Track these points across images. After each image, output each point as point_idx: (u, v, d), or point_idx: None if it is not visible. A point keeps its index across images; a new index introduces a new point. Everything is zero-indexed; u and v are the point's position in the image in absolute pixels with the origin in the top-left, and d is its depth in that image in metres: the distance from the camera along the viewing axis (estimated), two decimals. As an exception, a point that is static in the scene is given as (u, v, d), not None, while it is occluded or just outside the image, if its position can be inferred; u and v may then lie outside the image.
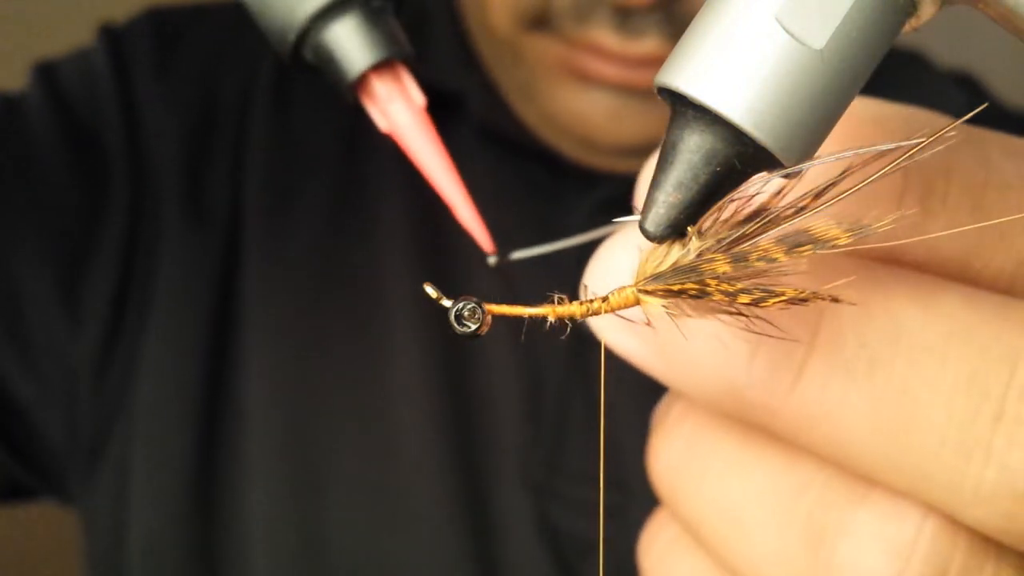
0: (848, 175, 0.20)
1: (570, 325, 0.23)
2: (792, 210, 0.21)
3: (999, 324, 0.22)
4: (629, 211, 0.23)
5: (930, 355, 0.22)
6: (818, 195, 0.21)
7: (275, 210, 0.67)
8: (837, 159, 0.20)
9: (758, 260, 0.21)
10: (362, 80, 0.29)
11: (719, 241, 0.21)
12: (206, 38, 0.72)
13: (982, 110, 0.21)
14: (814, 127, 0.19)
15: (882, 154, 0.20)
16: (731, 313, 0.21)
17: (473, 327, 0.22)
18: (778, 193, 0.21)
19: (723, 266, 0.21)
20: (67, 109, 0.67)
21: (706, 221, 0.21)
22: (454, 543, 0.61)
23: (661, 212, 0.20)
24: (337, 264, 0.66)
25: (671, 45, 0.57)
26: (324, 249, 0.67)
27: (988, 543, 0.23)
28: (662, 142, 0.20)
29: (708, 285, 0.21)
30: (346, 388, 0.64)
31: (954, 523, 0.23)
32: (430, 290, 0.23)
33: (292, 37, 0.28)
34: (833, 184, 0.20)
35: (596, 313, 0.23)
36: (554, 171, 0.68)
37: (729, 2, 0.19)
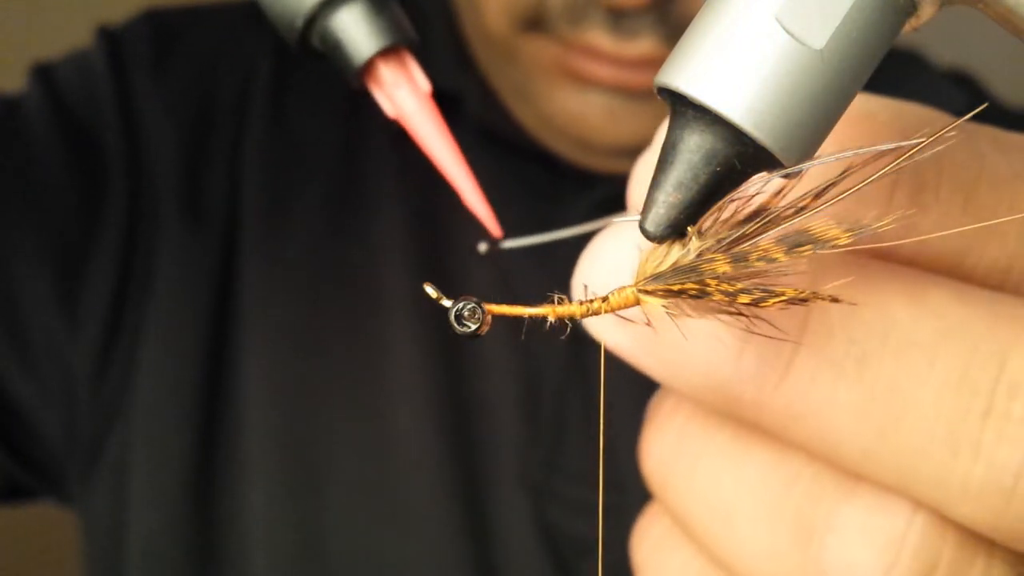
0: (848, 175, 0.20)
1: (570, 325, 0.23)
2: (792, 210, 0.21)
3: (989, 320, 0.22)
4: (626, 210, 0.23)
5: (919, 352, 0.22)
6: (818, 195, 0.21)
7: (273, 211, 0.67)
8: (837, 159, 0.20)
9: (758, 260, 0.21)
10: (368, 66, 0.29)
11: (719, 241, 0.21)
12: (204, 39, 0.72)
13: (982, 110, 0.21)
14: (814, 127, 0.19)
15: (881, 154, 0.20)
16: (731, 313, 0.21)
17: (473, 327, 0.22)
18: (778, 193, 0.21)
19: (723, 266, 0.21)
20: (66, 110, 0.67)
21: (706, 221, 0.21)
22: (452, 543, 0.61)
23: (661, 212, 0.20)
24: (335, 264, 0.66)
25: (665, 46, 0.58)
26: (322, 249, 0.67)
27: (978, 539, 0.23)
28: (662, 142, 0.20)
29: (708, 285, 0.21)
30: (344, 388, 0.64)
31: (943, 518, 0.23)
32: (430, 290, 0.23)
33: (299, 23, 0.28)
34: (833, 184, 0.20)
35: (596, 313, 0.23)
36: (551, 172, 0.68)
37: (729, 2, 0.19)
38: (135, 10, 0.73)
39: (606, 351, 0.26)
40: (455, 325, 0.22)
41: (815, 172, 0.21)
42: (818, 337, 0.23)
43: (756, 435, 0.25)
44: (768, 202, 0.21)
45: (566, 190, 0.68)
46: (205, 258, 0.65)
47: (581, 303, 0.23)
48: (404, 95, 0.29)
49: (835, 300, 0.21)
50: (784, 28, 0.19)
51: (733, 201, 0.21)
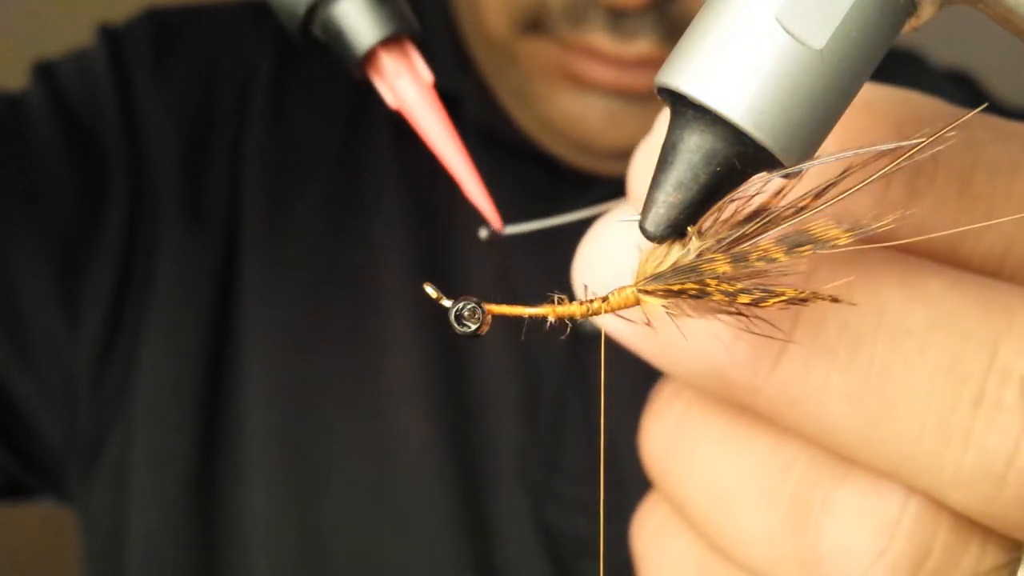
0: (848, 175, 0.20)
1: (570, 325, 0.23)
2: (792, 210, 0.21)
3: (982, 308, 0.22)
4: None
5: (912, 338, 0.22)
6: (818, 195, 0.21)
7: (273, 210, 0.67)
8: (837, 159, 0.20)
9: (758, 260, 0.21)
10: (370, 55, 0.29)
11: (719, 241, 0.21)
12: (205, 39, 0.73)
13: (982, 109, 0.21)
14: (814, 127, 0.19)
15: (882, 153, 0.20)
16: (731, 313, 0.21)
17: (473, 327, 0.22)
18: (778, 193, 0.21)
19: (723, 266, 0.21)
20: (67, 109, 0.67)
21: (706, 221, 0.21)
22: (452, 543, 0.61)
23: (661, 212, 0.20)
24: (336, 264, 0.66)
25: (664, 46, 0.58)
26: (323, 249, 0.67)
27: (972, 523, 0.24)
28: (662, 142, 0.20)
29: (708, 285, 0.21)
30: (345, 388, 0.64)
31: (938, 503, 0.23)
32: (430, 290, 0.23)
33: (301, 12, 0.28)
34: (833, 184, 0.20)
35: (596, 313, 0.23)
36: (551, 173, 0.68)
37: (729, 2, 0.19)
38: (136, 9, 0.73)
39: (606, 353, 0.26)
40: (455, 325, 0.22)
41: (815, 172, 0.21)
42: (812, 323, 0.23)
43: (753, 421, 0.26)
44: (768, 202, 0.21)
45: (565, 192, 0.68)
46: (206, 258, 0.65)
47: (581, 303, 0.23)
48: (406, 85, 0.29)
49: (835, 300, 0.21)
50: (784, 28, 0.19)
51: (733, 201, 0.21)
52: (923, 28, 0.20)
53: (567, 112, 0.63)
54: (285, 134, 0.69)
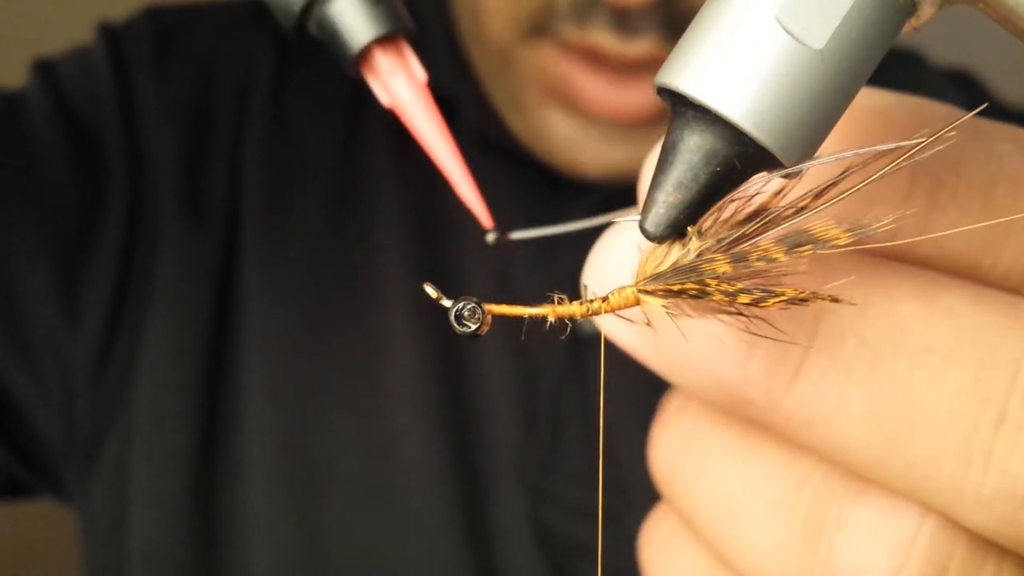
0: (848, 175, 0.20)
1: (570, 326, 0.23)
2: (792, 210, 0.21)
3: (1005, 326, 0.22)
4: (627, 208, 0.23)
5: (933, 356, 0.22)
6: (818, 195, 0.21)
7: (273, 209, 0.67)
8: (837, 159, 0.20)
9: (758, 260, 0.21)
10: (365, 54, 0.29)
11: (719, 241, 0.21)
12: (205, 37, 0.73)
13: (982, 109, 0.21)
14: (814, 127, 0.19)
15: (883, 153, 0.20)
16: (731, 313, 0.21)
17: (473, 327, 0.22)
18: (778, 193, 0.21)
19: (723, 266, 0.21)
20: (67, 107, 0.67)
21: (706, 221, 0.21)
22: (450, 544, 0.61)
23: (661, 212, 0.20)
24: (335, 264, 0.66)
25: (667, 45, 0.58)
26: (322, 248, 0.67)
27: (989, 543, 0.23)
28: (662, 142, 0.20)
29: (708, 285, 0.21)
30: (344, 388, 0.64)
31: (955, 521, 0.23)
32: (430, 290, 0.23)
33: (297, 10, 0.28)
34: (833, 184, 0.20)
35: (596, 313, 0.23)
36: (547, 177, 0.68)
37: (729, 2, 0.19)
38: (136, 8, 0.73)
39: (606, 352, 0.26)
40: (455, 325, 0.22)
41: (815, 172, 0.20)
42: (829, 340, 0.23)
43: (765, 435, 0.25)
44: (768, 202, 0.21)
45: (563, 195, 0.67)
46: (205, 257, 0.65)
47: (581, 303, 0.23)
48: (400, 84, 0.30)
49: (835, 300, 0.21)
50: (784, 28, 0.19)
51: (733, 201, 0.21)
52: (923, 28, 0.20)
53: (558, 132, 0.63)
54: (285, 133, 0.69)
